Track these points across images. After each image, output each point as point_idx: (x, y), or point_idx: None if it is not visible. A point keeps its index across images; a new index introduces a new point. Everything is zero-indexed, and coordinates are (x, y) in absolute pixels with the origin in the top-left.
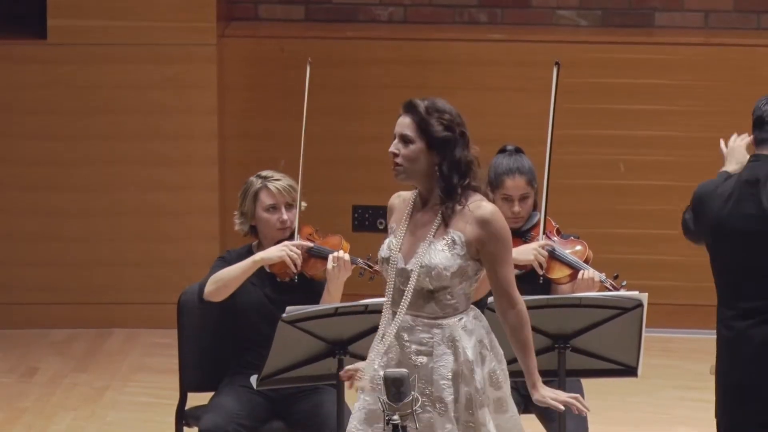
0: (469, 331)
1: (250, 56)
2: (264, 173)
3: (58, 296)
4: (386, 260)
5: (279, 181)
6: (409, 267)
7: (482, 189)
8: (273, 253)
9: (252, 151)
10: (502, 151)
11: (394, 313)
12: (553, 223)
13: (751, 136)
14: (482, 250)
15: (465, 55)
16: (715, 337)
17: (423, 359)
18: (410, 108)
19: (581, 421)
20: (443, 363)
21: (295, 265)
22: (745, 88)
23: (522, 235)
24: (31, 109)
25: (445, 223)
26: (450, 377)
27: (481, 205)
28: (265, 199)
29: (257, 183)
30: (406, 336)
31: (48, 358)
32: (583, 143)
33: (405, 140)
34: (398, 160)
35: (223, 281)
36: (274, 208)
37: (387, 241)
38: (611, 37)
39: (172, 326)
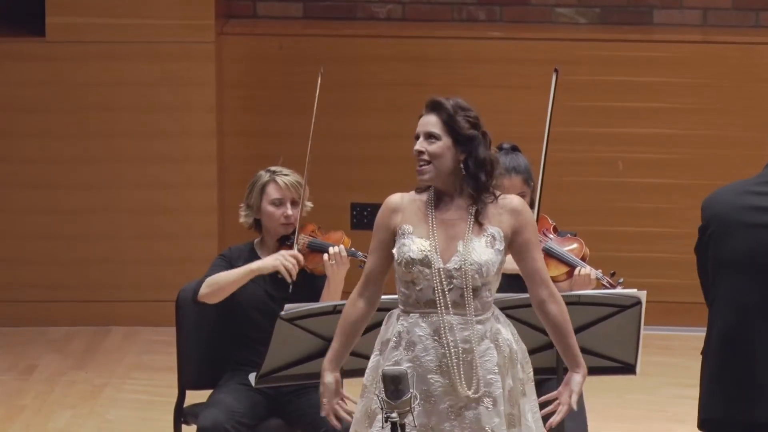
0: (503, 322)
1: (249, 54)
2: (273, 168)
3: (56, 294)
4: (419, 262)
5: (287, 177)
6: (450, 266)
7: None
8: (268, 262)
9: (250, 148)
10: (499, 149)
11: (426, 315)
12: (550, 221)
13: None
14: (517, 240)
15: (463, 53)
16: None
17: (468, 357)
18: (436, 106)
19: (580, 419)
20: (488, 357)
21: (290, 274)
22: (744, 86)
23: None
24: (30, 106)
25: (479, 221)
26: (497, 371)
27: (508, 197)
28: (272, 193)
29: (265, 176)
30: (449, 336)
31: (47, 355)
32: (582, 141)
33: (431, 137)
34: (425, 157)
35: (218, 285)
36: (280, 202)
37: (408, 242)
38: (610, 34)
39: (170, 324)
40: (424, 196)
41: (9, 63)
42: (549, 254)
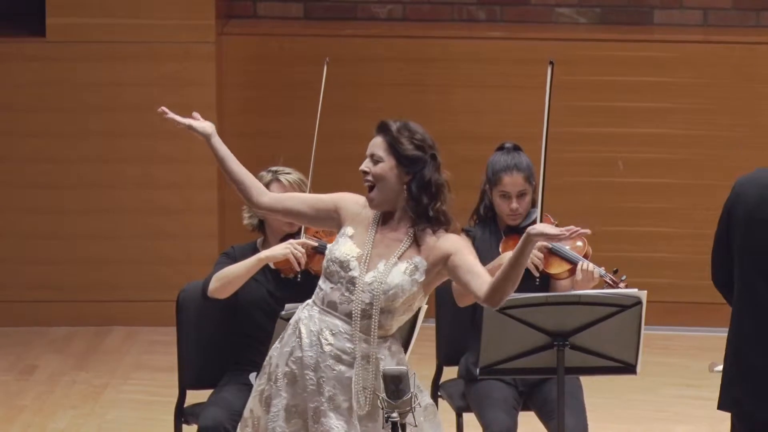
0: (393, 353)
1: (249, 54)
2: (274, 168)
3: (57, 294)
4: (338, 263)
5: (290, 175)
6: (366, 279)
7: (451, 218)
8: (277, 250)
9: (251, 148)
10: (500, 148)
11: (325, 312)
12: (552, 220)
13: None
14: (448, 264)
15: (464, 53)
16: (713, 334)
17: (341, 368)
18: (382, 128)
19: (581, 419)
20: (364, 375)
21: (299, 263)
22: (744, 86)
23: (520, 232)
24: (30, 106)
25: (416, 244)
26: (371, 390)
27: (450, 236)
28: (276, 192)
29: (268, 176)
30: (330, 339)
31: (47, 355)
32: (582, 141)
33: (375, 159)
34: (369, 177)
35: (228, 278)
36: None
37: (342, 241)
38: (610, 34)
39: (171, 324)
40: (375, 212)
41: (9, 63)
42: (551, 252)
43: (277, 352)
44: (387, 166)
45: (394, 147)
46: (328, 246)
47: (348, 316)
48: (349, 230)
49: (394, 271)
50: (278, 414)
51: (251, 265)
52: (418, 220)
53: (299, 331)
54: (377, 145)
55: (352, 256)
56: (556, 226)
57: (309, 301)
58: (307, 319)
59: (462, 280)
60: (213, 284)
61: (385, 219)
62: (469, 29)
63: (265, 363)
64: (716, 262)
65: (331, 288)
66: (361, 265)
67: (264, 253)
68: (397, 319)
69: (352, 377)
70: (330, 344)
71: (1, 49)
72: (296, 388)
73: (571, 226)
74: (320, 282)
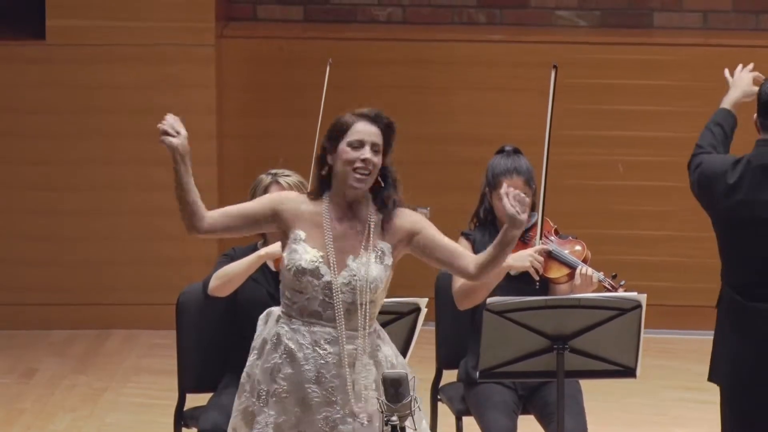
0: (384, 339)
1: (249, 57)
2: (274, 170)
3: (56, 297)
4: (309, 272)
5: (289, 177)
6: (340, 280)
7: (401, 196)
8: (277, 247)
9: (250, 150)
10: (500, 151)
11: (310, 323)
12: (551, 224)
13: (757, 119)
14: (415, 240)
15: (464, 56)
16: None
17: (345, 370)
18: (377, 119)
19: (580, 422)
20: (365, 374)
21: None
22: None
23: (520, 235)
24: (30, 109)
25: (377, 229)
26: (374, 387)
27: (400, 211)
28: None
29: (267, 179)
30: (328, 347)
31: (47, 358)
32: (582, 144)
33: (376, 150)
34: (370, 167)
35: (228, 276)
36: None
37: (301, 250)
38: (610, 37)
39: (170, 327)
40: (319, 205)
41: (9, 65)
42: (550, 256)
43: (258, 369)
44: (380, 158)
45: (386, 137)
46: (286, 256)
47: (333, 321)
48: (300, 234)
49: (368, 264)
50: (264, 431)
51: (251, 262)
52: (379, 204)
53: (286, 347)
54: (375, 134)
55: (319, 261)
56: (555, 229)
57: (276, 313)
58: (290, 333)
59: (440, 259)
60: (213, 282)
61: (337, 210)
62: (469, 32)
63: (243, 380)
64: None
65: (308, 299)
66: (331, 267)
67: (264, 250)
68: (379, 305)
69: (356, 378)
70: (329, 353)
71: (1, 51)
72: (286, 404)
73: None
74: (287, 294)
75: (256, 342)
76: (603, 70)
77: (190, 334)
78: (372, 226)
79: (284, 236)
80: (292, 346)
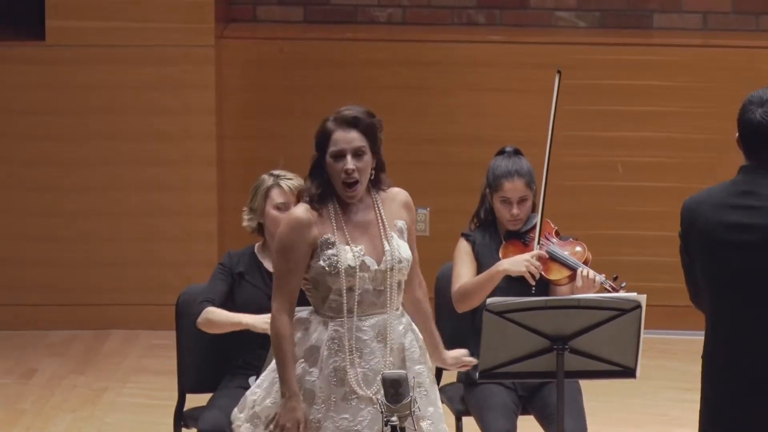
0: (402, 312)
1: (249, 58)
2: (276, 172)
3: (56, 297)
4: (358, 267)
5: (291, 181)
6: (383, 266)
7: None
8: (260, 321)
9: (250, 151)
10: (501, 152)
11: (366, 317)
12: (552, 225)
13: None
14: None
15: (463, 57)
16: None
17: (403, 353)
18: (354, 122)
19: (580, 423)
20: (414, 348)
21: None
22: (744, 90)
23: (521, 237)
24: (30, 109)
25: (389, 212)
26: (421, 360)
27: (393, 189)
28: (276, 197)
29: (269, 180)
30: (391, 335)
31: (46, 359)
32: (582, 145)
33: (359, 153)
34: (355, 175)
35: (212, 324)
36: (284, 206)
37: (338, 251)
38: (609, 38)
39: (170, 327)
40: (328, 208)
41: (9, 66)
42: (551, 258)
43: (314, 377)
44: (368, 157)
45: (370, 135)
46: (325, 264)
47: (383, 306)
48: (330, 238)
49: (398, 244)
50: None
51: (235, 322)
52: (377, 189)
53: (349, 347)
54: (356, 138)
55: (362, 254)
56: (556, 230)
57: (313, 317)
58: (348, 332)
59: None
60: (202, 319)
61: (346, 205)
62: (469, 33)
63: (308, 390)
64: (691, 290)
65: (359, 294)
66: (371, 256)
67: (247, 320)
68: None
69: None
70: (392, 338)
71: (1, 52)
72: (357, 403)
73: None
74: (333, 297)
75: (300, 350)
76: (603, 71)
77: (189, 335)
78: (382, 210)
79: (311, 251)
80: (356, 344)
